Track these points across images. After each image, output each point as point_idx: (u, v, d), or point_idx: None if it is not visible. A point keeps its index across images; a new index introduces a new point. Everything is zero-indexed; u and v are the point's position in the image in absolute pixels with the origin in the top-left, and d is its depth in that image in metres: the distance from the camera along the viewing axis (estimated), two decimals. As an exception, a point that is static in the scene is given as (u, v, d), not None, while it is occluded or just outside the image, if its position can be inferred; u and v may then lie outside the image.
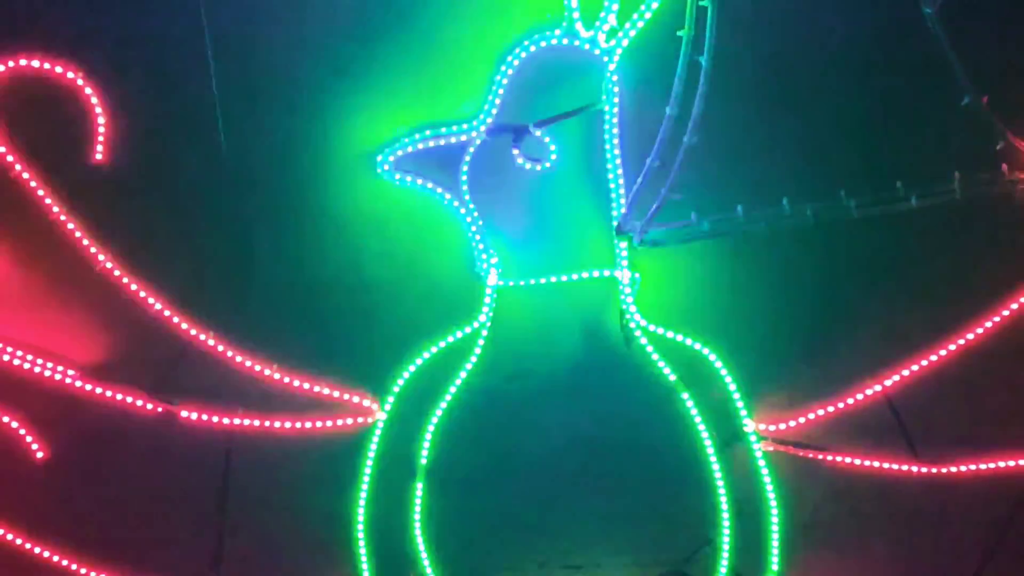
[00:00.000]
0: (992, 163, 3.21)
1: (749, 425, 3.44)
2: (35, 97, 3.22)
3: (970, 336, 3.33)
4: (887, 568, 3.58)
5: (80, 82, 3.25)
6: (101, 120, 3.25)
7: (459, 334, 3.42)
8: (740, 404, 3.42)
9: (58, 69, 3.21)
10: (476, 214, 3.39)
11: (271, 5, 3.28)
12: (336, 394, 3.45)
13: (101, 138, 3.26)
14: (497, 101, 3.30)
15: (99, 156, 3.27)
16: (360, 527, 3.43)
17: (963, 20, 3.04)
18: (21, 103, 3.21)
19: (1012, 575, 3.51)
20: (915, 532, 3.55)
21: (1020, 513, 3.43)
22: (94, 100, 3.24)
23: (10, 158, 3.22)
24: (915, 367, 3.39)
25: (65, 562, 3.42)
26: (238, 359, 3.39)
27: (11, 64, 3.20)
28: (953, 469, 3.38)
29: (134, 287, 3.33)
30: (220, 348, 3.39)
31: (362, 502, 3.42)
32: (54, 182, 3.27)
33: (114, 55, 3.35)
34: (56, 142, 3.27)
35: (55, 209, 3.27)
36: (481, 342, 3.42)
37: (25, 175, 3.24)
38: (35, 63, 3.20)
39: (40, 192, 3.26)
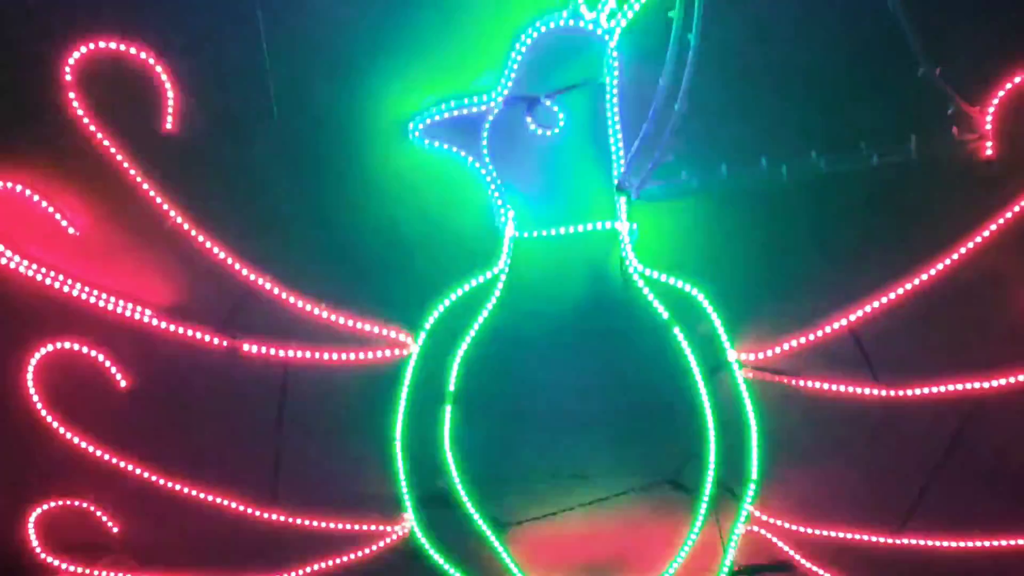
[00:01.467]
0: (944, 126, 3.27)
1: (732, 355, 3.58)
2: (114, 75, 3.31)
3: (924, 276, 3.42)
4: (850, 477, 3.74)
5: (152, 61, 3.32)
6: (170, 94, 3.34)
7: (481, 278, 3.56)
8: (724, 337, 3.55)
9: (132, 50, 3.31)
10: (495, 174, 3.49)
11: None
12: (376, 330, 3.60)
13: (171, 110, 3.35)
14: (512, 75, 3.38)
15: (169, 126, 3.37)
16: (397, 443, 3.64)
17: (919, 1, 3.11)
18: (102, 81, 3.32)
19: (958, 482, 3.64)
20: (875, 446, 3.67)
21: (966, 429, 3.58)
22: (164, 77, 3.33)
23: (92, 128, 3.34)
24: (876, 304, 3.47)
25: (146, 473, 3.68)
26: (292, 300, 3.54)
27: (92, 46, 3.30)
28: (908, 392, 3.52)
29: (201, 239, 3.46)
30: (276, 291, 3.53)
31: (399, 422, 3.62)
32: (131, 149, 3.38)
33: (182, 37, 3.36)
34: (132, 114, 3.36)
35: (132, 172, 3.39)
36: (500, 285, 3.55)
37: (106, 143, 3.36)
38: (112, 45, 3.30)
39: (119, 158, 3.37)
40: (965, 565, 3.69)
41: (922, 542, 3.68)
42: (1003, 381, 3.49)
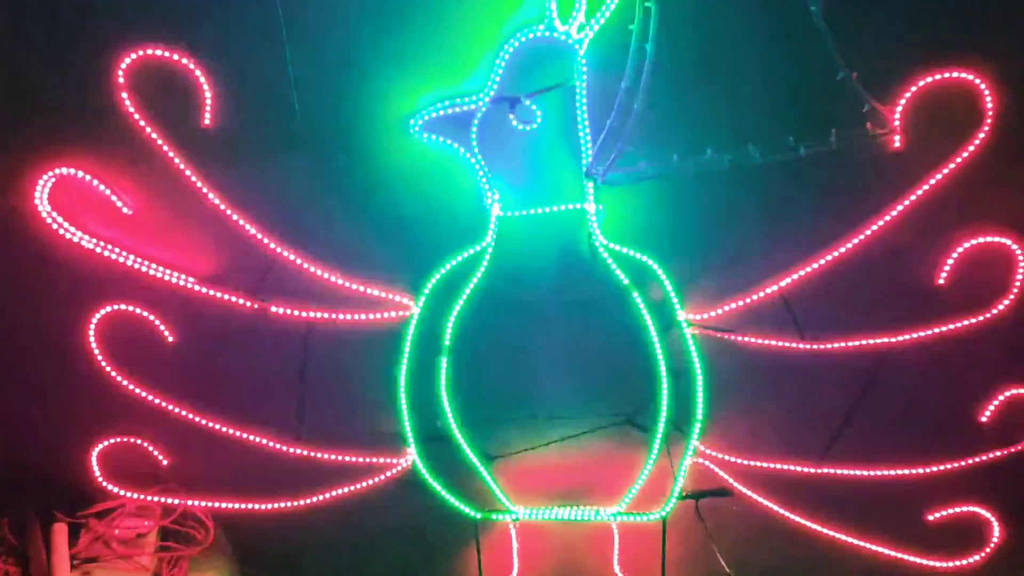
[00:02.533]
0: (860, 122, 3.36)
1: (681, 315, 3.73)
2: (159, 78, 3.44)
3: (842, 250, 3.58)
4: (780, 417, 3.99)
5: (191, 65, 3.42)
6: (208, 94, 3.45)
7: (472, 251, 3.70)
8: (675, 299, 3.70)
9: (175, 56, 3.41)
10: (483, 163, 3.59)
11: (334, 4, 3.42)
12: (383, 295, 3.78)
13: (208, 107, 3.47)
14: (497, 79, 3.46)
15: (207, 121, 3.49)
16: (402, 390, 3.84)
17: (840, 16, 3.20)
18: (149, 83, 3.45)
19: (870, 421, 3.90)
20: (800, 392, 3.92)
21: (876, 377, 3.82)
22: (202, 79, 3.44)
23: (142, 123, 3.49)
24: (802, 272, 3.64)
25: (187, 414, 3.95)
26: (312, 269, 3.70)
27: (140, 53, 3.41)
28: (829, 345, 3.71)
29: (235, 217, 3.61)
30: (299, 261, 3.69)
31: (403, 372, 3.82)
32: (174, 140, 3.52)
33: (217, 44, 3.43)
34: (175, 111, 3.49)
35: (175, 160, 3.53)
36: (488, 256, 3.69)
37: (153, 135, 3.49)
38: (157, 52, 3.41)
39: (164, 148, 3.51)
40: (874, 490, 3.92)
41: (838, 471, 3.92)
42: (907, 337, 3.70)
